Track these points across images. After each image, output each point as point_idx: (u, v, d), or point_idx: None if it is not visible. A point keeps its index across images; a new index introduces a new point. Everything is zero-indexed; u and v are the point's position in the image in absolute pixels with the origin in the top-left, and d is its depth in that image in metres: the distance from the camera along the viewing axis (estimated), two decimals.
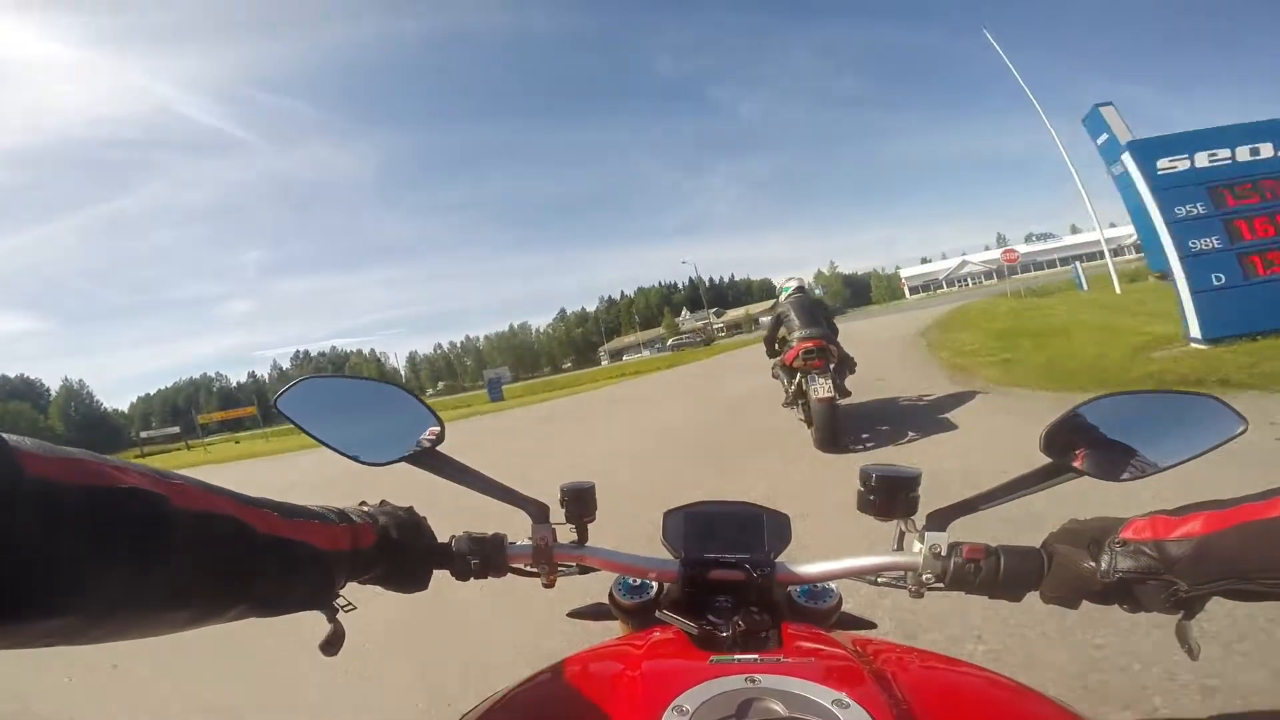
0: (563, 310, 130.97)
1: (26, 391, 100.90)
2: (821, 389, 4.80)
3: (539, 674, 0.57)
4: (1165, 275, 17.26)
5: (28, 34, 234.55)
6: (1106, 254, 18.42)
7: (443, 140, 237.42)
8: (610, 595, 0.78)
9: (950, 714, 0.46)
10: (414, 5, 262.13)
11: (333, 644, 0.59)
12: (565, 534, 0.72)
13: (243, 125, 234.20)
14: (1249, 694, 1.54)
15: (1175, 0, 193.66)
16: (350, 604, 0.59)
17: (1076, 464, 0.61)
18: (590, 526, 0.75)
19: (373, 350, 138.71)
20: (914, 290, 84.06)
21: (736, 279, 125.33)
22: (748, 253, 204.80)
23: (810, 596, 0.74)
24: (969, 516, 0.65)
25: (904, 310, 32.01)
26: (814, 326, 5.20)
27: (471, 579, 0.69)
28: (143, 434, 62.05)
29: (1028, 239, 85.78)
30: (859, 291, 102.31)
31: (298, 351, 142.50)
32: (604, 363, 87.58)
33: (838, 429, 4.85)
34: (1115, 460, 0.62)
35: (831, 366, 4.95)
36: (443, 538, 0.70)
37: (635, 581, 0.78)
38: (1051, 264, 64.15)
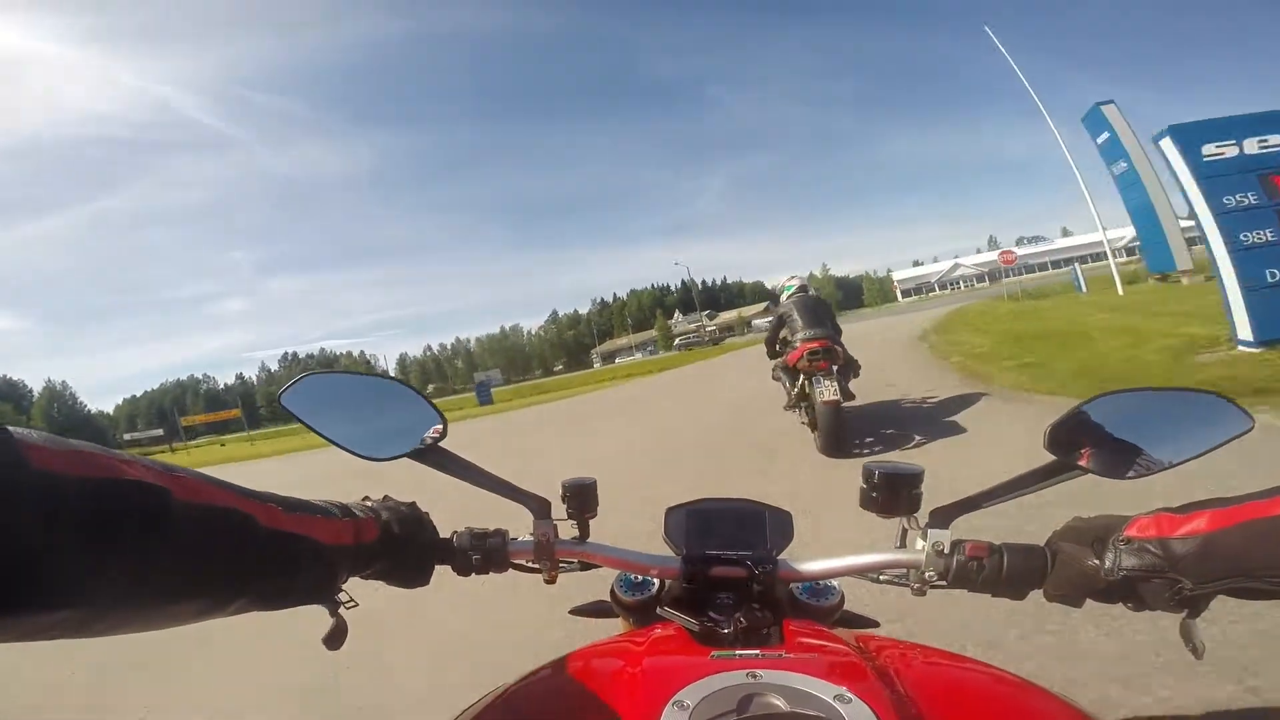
0: (555, 312, 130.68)
1: (9, 392, 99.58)
2: (827, 391, 4.60)
3: (540, 669, 0.57)
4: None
5: (14, 31, 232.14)
6: (1109, 255, 18.08)
7: (435, 141, 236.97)
8: (612, 592, 0.78)
9: (953, 709, 0.46)
10: (407, 5, 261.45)
11: (335, 638, 0.58)
12: (567, 530, 0.72)
13: (234, 123, 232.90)
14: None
15: (1169, 3, 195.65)
16: (352, 599, 0.59)
17: (1081, 462, 0.61)
18: (591, 522, 0.75)
19: (362, 352, 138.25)
20: (906, 293, 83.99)
21: (729, 281, 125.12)
22: (740, 255, 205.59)
23: (812, 594, 0.74)
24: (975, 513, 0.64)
25: (898, 313, 31.52)
26: (818, 327, 5.00)
27: (473, 574, 0.69)
28: (126, 436, 61.46)
29: (1018, 242, 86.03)
30: (851, 294, 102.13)
31: (286, 353, 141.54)
32: (596, 365, 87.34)
33: (843, 433, 4.67)
34: (1120, 458, 0.61)
35: (836, 368, 4.76)
36: (444, 532, 0.70)
37: (637, 578, 0.77)
38: (1043, 267, 64.31)
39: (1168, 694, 1.61)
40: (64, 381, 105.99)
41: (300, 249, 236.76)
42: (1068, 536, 0.59)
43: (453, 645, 2.83)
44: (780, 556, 0.70)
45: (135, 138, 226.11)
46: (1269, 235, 5.54)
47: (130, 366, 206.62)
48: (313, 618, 0.58)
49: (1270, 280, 5.53)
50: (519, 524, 0.74)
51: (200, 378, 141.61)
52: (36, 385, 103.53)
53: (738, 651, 0.53)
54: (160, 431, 53.57)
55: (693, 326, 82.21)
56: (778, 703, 0.43)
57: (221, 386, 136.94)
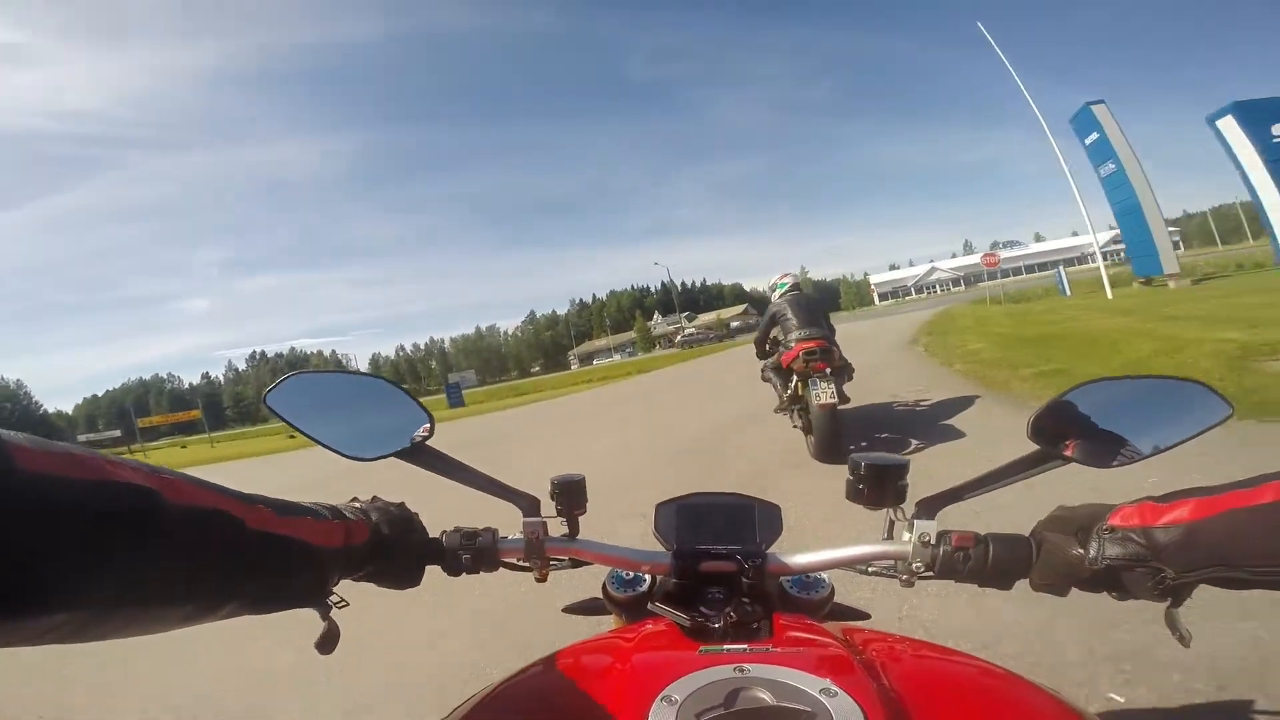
0: (532, 313, 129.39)
1: None
2: (824, 394, 4.36)
3: (530, 667, 0.58)
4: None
5: None
6: (1099, 258, 17.71)
7: (411, 139, 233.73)
8: (603, 588, 0.78)
9: (938, 701, 0.46)
10: (386, 4, 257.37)
11: (327, 642, 0.58)
12: (556, 528, 0.72)
13: (204, 119, 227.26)
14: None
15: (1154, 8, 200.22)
16: (343, 601, 0.58)
17: (1065, 451, 0.61)
18: (580, 519, 0.74)
19: (334, 351, 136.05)
20: (883, 297, 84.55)
21: (709, 283, 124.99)
22: (719, 257, 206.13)
23: (802, 587, 0.75)
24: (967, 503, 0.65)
25: (876, 316, 31.04)
26: (814, 326, 4.77)
27: (464, 574, 0.69)
28: (81, 438, 58.98)
29: (993, 246, 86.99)
30: (828, 297, 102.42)
31: (254, 352, 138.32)
32: (574, 366, 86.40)
33: (840, 438, 4.42)
34: (1103, 447, 0.61)
35: (830, 370, 4.52)
36: (433, 532, 0.70)
37: (628, 575, 0.77)
38: (1018, 271, 64.95)
39: None
40: (19, 380, 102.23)
41: (271, 246, 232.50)
42: (1052, 526, 0.59)
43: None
44: (769, 550, 0.70)
45: (102, 132, 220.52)
46: None
47: (91, 366, 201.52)
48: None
49: None
50: (498, 521, 0.74)
51: (165, 377, 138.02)
52: None
53: (726, 646, 0.53)
54: (118, 433, 51.44)
55: (673, 328, 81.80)
56: (764, 696, 0.43)
57: (187, 386, 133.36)
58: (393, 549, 0.63)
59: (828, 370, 4.50)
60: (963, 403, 5.76)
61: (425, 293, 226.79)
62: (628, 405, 12.11)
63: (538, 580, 0.72)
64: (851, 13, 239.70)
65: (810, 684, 0.44)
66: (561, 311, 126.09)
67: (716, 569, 0.68)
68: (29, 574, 0.31)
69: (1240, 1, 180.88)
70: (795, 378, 4.72)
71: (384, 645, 2.75)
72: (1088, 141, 16.69)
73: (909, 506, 0.65)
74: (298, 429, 0.67)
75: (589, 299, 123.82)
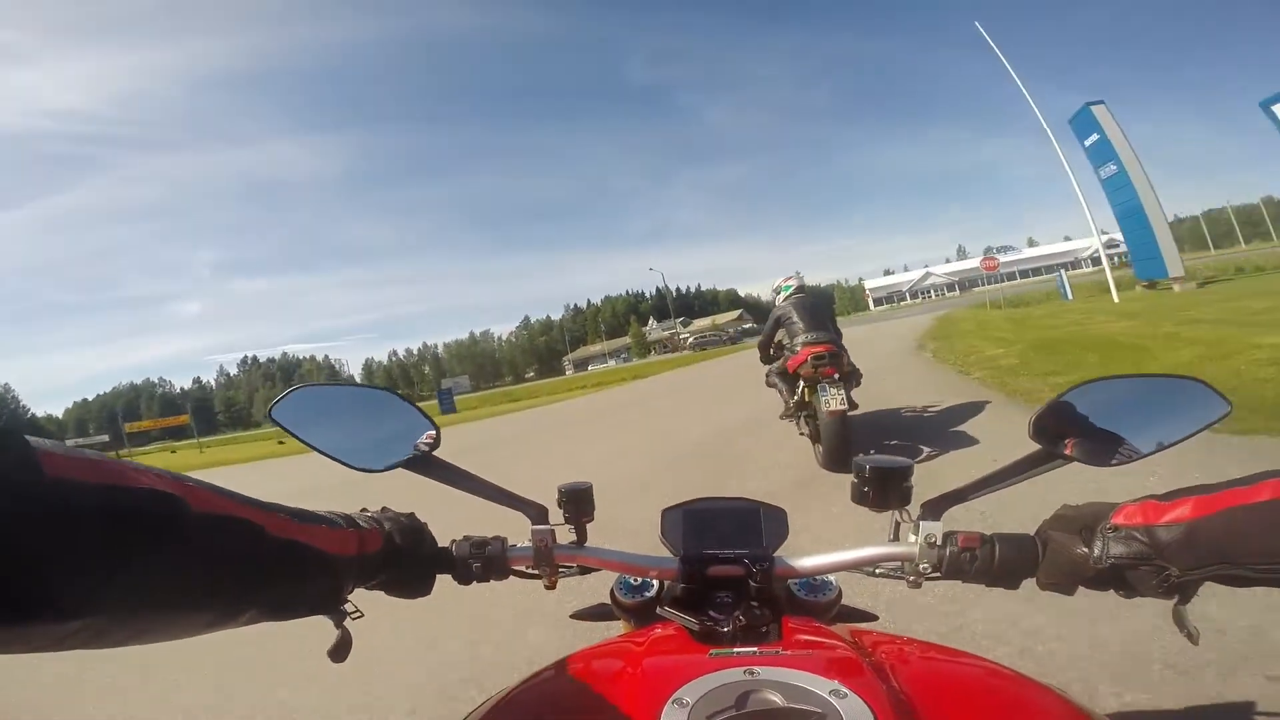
0: (527, 318, 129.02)
1: None
2: (833, 400, 4.20)
3: (541, 671, 0.58)
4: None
5: None
6: (1105, 261, 17.50)
7: (408, 142, 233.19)
8: (611, 594, 0.78)
9: (947, 702, 0.47)
10: (381, 5, 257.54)
11: (340, 651, 0.59)
12: (564, 535, 0.72)
13: (198, 120, 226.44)
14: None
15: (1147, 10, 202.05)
16: (358, 610, 0.58)
17: (1066, 450, 0.61)
18: (589, 526, 0.75)
19: (326, 357, 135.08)
20: (878, 302, 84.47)
21: (703, 289, 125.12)
22: (714, 262, 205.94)
23: (810, 590, 0.75)
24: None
25: (872, 321, 30.84)
26: (820, 330, 4.61)
27: (474, 583, 0.69)
28: (67, 442, 57.98)
29: (987, 251, 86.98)
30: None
31: (246, 357, 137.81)
32: (568, 372, 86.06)
33: (849, 446, 4.21)
34: (1104, 446, 0.62)
35: (839, 376, 4.34)
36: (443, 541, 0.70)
37: (636, 580, 0.77)
38: (1012, 276, 64.85)
39: None
40: (6, 384, 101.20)
41: (265, 249, 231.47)
42: (1057, 525, 0.59)
43: None
44: (776, 554, 0.70)
45: (94, 132, 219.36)
46: None
47: (82, 369, 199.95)
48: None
49: None
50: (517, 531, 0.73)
51: (156, 381, 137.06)
52: None
53: (736, 649, 0.53)
54: (106, 438, 50.99)
55: (668, 333, 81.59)
56: (774, 698, 0.44)
57: (178, 390, 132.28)
58: (404, 558, 0.63)
59: (837, 376, 4.32)
60: (996, 414, 5.31)
61: (419, 297, 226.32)
62: (625, 412, 11.77)
63: (547, 587, 0.72)
64: (847, 17, 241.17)
65: (820, 686, 0.44)
66: (556, 317, 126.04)
67: (724, 573, 0.68)
68: (51, 579, 0.31)
69: (1227, 5, 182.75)
70: (802, 383, 4.51)
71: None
72: (1087, 143, 16.49)
73: (914, 508, 0.65)
74: (304, 441, 0.67)
75: (584, 304, 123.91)
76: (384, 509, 0.67)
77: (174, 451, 44.37)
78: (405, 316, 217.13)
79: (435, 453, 0.71)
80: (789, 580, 0.73)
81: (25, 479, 0.31)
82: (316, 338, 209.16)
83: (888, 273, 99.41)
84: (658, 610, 0.68)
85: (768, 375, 5.28)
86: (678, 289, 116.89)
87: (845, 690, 0.43)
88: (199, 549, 0.40)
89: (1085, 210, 16.46)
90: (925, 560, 0.62)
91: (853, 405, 4.37)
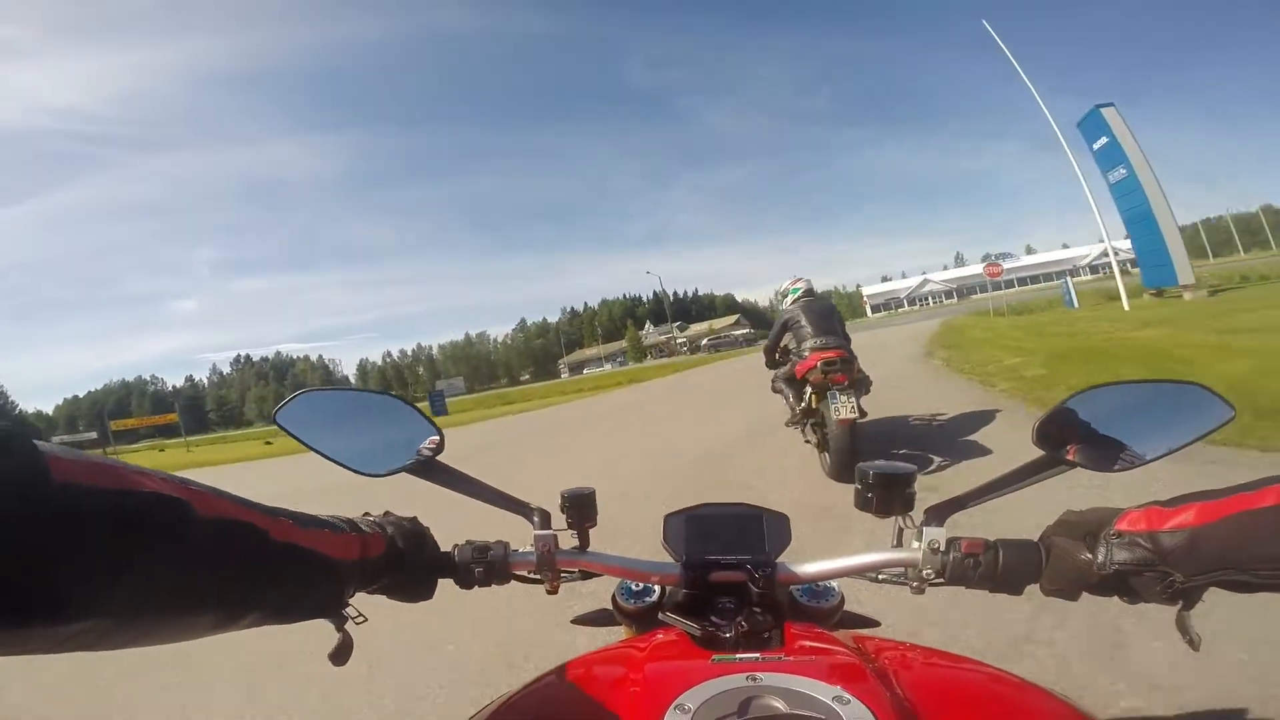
0: (523, 320, 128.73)
1: None
2: (844, 408, 4.03)
3: (543, 677, 0.58)
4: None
5: None
6: (1115, 267, 17.02)
7: (407, 143, 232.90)
8: (613, 600, 0.78)
9: (950, 708, 0.47)
10: (381, 5, 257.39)
11: (341, 654, 0.59)
12: (567, 540, 0.72)
13: (198, 119, 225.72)
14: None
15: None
16: (360, 615, 0.59)
17: (1069, 456, 0.62)
18: (591, 532, 0.74)
19: (320, 356, 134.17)
20: (875, 309, 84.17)
21: (700, 293, 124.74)
22: (711, 267, 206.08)
23: (812, 596, 0.74)
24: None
25: (871, 328, 30.23)
26: (830, 335, 4.45)
27: (475, 587, 0.69)
28: (54, 439, 57.36)
29: (984, 259, 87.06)
30: None
31: (239, 356, 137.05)
32: (564, 375, 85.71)
33: (858, 456, 3.95)
34: (1107, 451, 0.62)
35: (849, 383, 4.17)
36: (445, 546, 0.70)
37: (638, 586, 0.77)
38: (1010, 284, 64.63)
39: None
40: None
41: (262, 248, 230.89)
42: (1060, 531, 0.59)
43: None
44: (779, 560, 0.70)
45: (93, 130, 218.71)
46: None
47: (74, 365, 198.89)
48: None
49: None
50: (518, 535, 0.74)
51: (148, 379, 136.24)
52: None
53: (738, 655, 0.53)
54: (94, 435, 50.31)
55: (664, 338, 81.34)
56: (777, 704, 0.44)
57: (170, 388, 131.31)
58: (406, 562, 0.64)
59: (847, 382, 4.13)
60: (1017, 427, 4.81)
61: (416, 298, 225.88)
62: (623, 416, 11.33)
63: (549, 592, 0.72)
64: (847, 19, 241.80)
65: (823, 692, 0.44)
66: (553, 319, 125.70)
67: (726, 579, 0.68)
68: (57, 581, 0.31)
69: (1226, 7, 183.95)
70: (809, 389, 4.32)
71: None
72: (1096, 146, 16.11)
73: (917, 515, 0.65)
74: (308, 446, 0.67)
75: (581, 307, 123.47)
76: (387, 513, 0.67)
77: (162, 450, 43.99)
78: (402, 317, 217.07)
79: (438, 457, 0.72)
80: (791, 586, 0.72)
81: (33, 482, 0.31)
82: (313, 337, 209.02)
83: (885, 279, 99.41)
84: (659, 616, 0.68)
85: (774, 380, 5.08)
86: (675, 293, 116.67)
87: (848, 696, 0.43)
88: (203, 553, 0.40)
89: (1096, 215, 15.98)
90: (929, 566, 0.62)
91: (862, 413, 4.18)
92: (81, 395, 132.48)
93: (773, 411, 5.75)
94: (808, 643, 0.58)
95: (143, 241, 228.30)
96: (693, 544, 0.73)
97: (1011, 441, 4.47)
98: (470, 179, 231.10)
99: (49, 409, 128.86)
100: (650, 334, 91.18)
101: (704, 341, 65.36)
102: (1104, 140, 15.74)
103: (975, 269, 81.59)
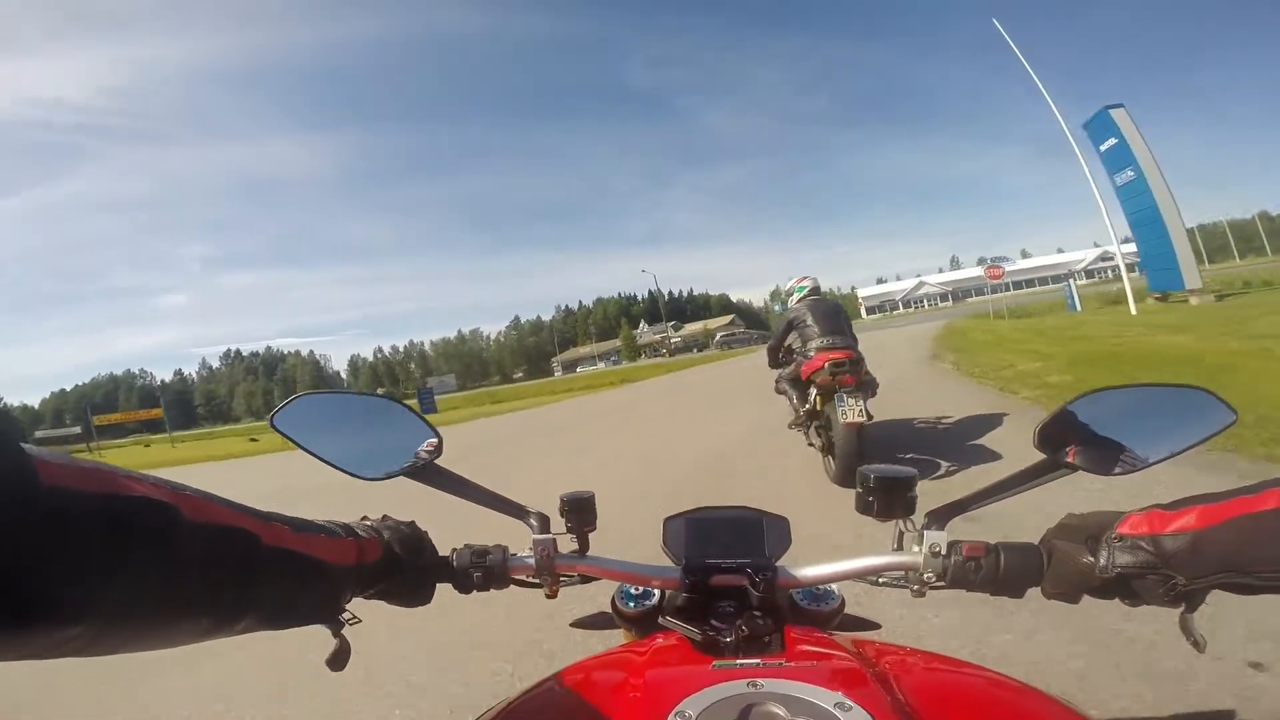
0: (517, 318, 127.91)
1: None
2: (851, 411, 3.92)
3: (542, 683, 0.58)
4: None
5: None
6: (1123, 270, 16.62)
7: (401, 140, 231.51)
8: (612, 603, 0.78)
9: (952, 714, 0.47)
10: (377, 3, 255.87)
11: (339, 659, 0.59)
12: (566, 544, 0.72)
13: (190, 114, 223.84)
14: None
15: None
16: (356, 618, 0.59)
17: (1071, 460, 0.62)
18: (590, 536, 0.75)
19: (311, 352, 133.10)
20: (870, 311, 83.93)
21: (695, 293, 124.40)
22: (705, 267, 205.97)
23: (812, 599, 0.74)
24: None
25: (868, 330, 29.17)
26: (837, 335, 4.34)
27: (474, 592, 0.69)
28: (38, 434, 56.82)
29: (980, 262, 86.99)
30: None
31: (228, 350, 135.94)
32: (557, 373, 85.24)
33: (864, 461, 3.78)
34: (1109, 455, 0.62)
35: (856, 385, 4.06)
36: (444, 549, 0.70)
37: (637, 589, 0.77)
38: (1006, 287, 64.51)
39: None
40: None
41: (255, 243, 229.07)
42: (1062, 534, 0.59)
43: None
44: (779, 563, 0.70)
45: (85, 122, 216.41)
46: None
47: (64, 359, 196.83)
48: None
49: None
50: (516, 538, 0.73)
51: (137, 373, 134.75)
52: None
53: (739, 661, 0.53)
54: (78, 429, 49.63)
55: (658, 337, 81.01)
56: (778, 711, 0.44)
57: (159, 383, 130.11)
58: (404, 567, 0.64)
59: (855, 385, 4.02)
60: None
61: (409, 295, 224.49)
62: (616, 415, 10.92)
63: (548, 596, 0.72)
64: (845, 23, 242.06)
65: (824, 698, 0.44)
66: (547, 317, 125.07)
67: (726, 583, 0.68)
68: (44, 586, 0.31)
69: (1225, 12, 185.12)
70: (815, 391, 4.22)
71: None
72: (1103, 147, 15.79)
73: (918, 518, 0.65)
74: (306, 449, 0.67)
75: (575, 305, 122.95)
76: (384, 517, 0.66)
77: (147, 445, 43.60)
78: (395, 314, 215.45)
79: (437, 461, 0.71)
80: (791, 590, 0.72)
81: (20, 486, 0.31)
82: (304, 332, 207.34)
83: (880, 281, 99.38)
84: (659, 620, 0.68)
85: (777, 381, 4.98)
86: (670, 292, 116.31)
87: (850, 703, 0.43)
88: (193, 558, 0.40)
89: (1105, 217, 15.55)
90: (930, 570, 0.62)
91: (869, 417, 4.06)
92: (69, 389, 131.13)
93: (775, 412, 5.37)
94: (809, 647, 0.58)
95: (133, 235, 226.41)
96: (692, 547, 0.72)
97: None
98: (466, 176, 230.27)
99: (35, 403, 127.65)
100: (645, 333, 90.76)
101: (717, 336, 65.36)
102: (1112, 141, 15.43)
103: (970, 272, 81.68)
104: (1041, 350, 9.29)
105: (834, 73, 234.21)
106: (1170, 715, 1.54)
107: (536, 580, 0.70)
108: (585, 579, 0.72)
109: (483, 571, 0.68)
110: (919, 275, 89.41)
